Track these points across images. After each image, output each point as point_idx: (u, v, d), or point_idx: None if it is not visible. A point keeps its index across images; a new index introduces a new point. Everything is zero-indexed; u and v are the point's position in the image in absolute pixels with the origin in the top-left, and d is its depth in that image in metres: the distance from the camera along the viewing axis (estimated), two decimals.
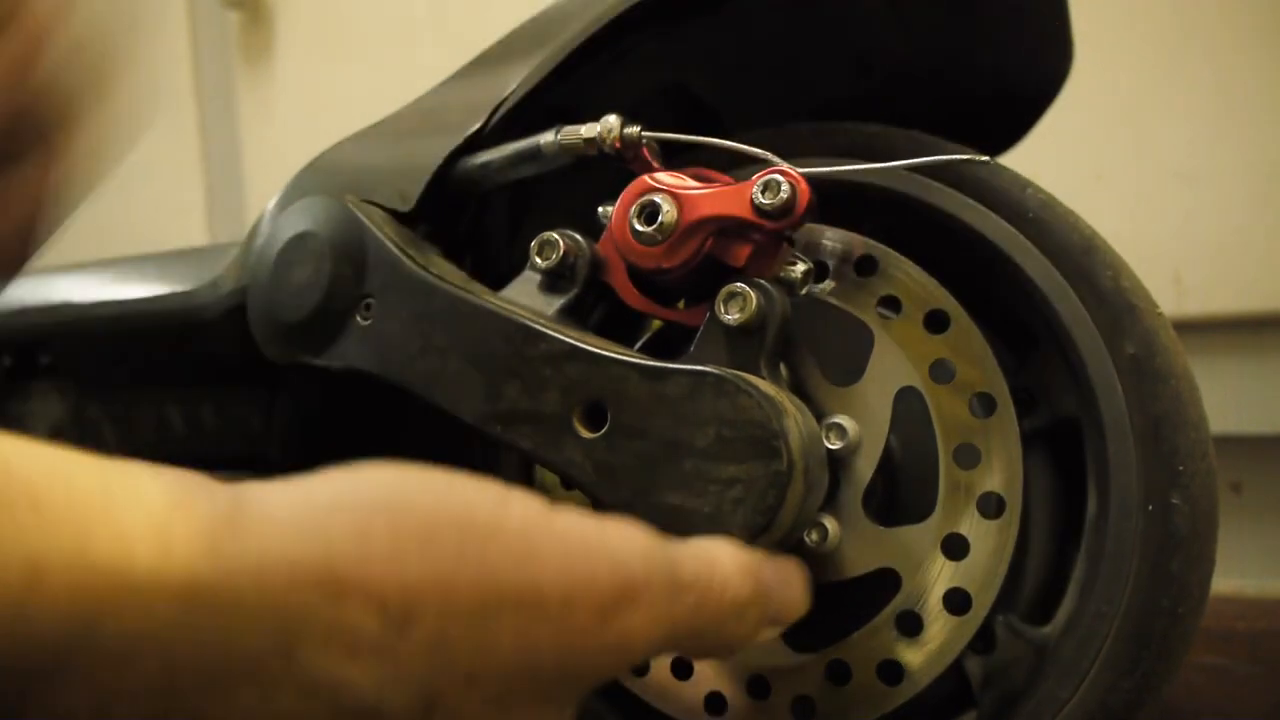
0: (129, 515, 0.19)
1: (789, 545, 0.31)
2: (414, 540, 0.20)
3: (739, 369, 0.30)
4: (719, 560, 0.25)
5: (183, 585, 0.19)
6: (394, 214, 0.37)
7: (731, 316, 0.32)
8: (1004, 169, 0.37)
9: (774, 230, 0.32)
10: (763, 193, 0.32)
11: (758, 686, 0.36)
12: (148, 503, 0.19)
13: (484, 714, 0.21)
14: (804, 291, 0.34)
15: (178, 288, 0.43)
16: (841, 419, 0.34)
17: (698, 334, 0.32)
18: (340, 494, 0.21)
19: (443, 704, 0.21)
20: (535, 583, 0.21)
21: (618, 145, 0.35)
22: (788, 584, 0.28)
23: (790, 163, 0.33)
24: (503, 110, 0.38)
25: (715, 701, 0.37)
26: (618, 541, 0.22)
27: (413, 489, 0.21)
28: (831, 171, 0.35)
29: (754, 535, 0.28)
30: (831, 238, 0.36)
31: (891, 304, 0.35)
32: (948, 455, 0.34)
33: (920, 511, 0.34)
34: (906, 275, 0.35)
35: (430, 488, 0.21)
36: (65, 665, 0.18)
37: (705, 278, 0.33)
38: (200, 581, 0.19)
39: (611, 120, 0.35)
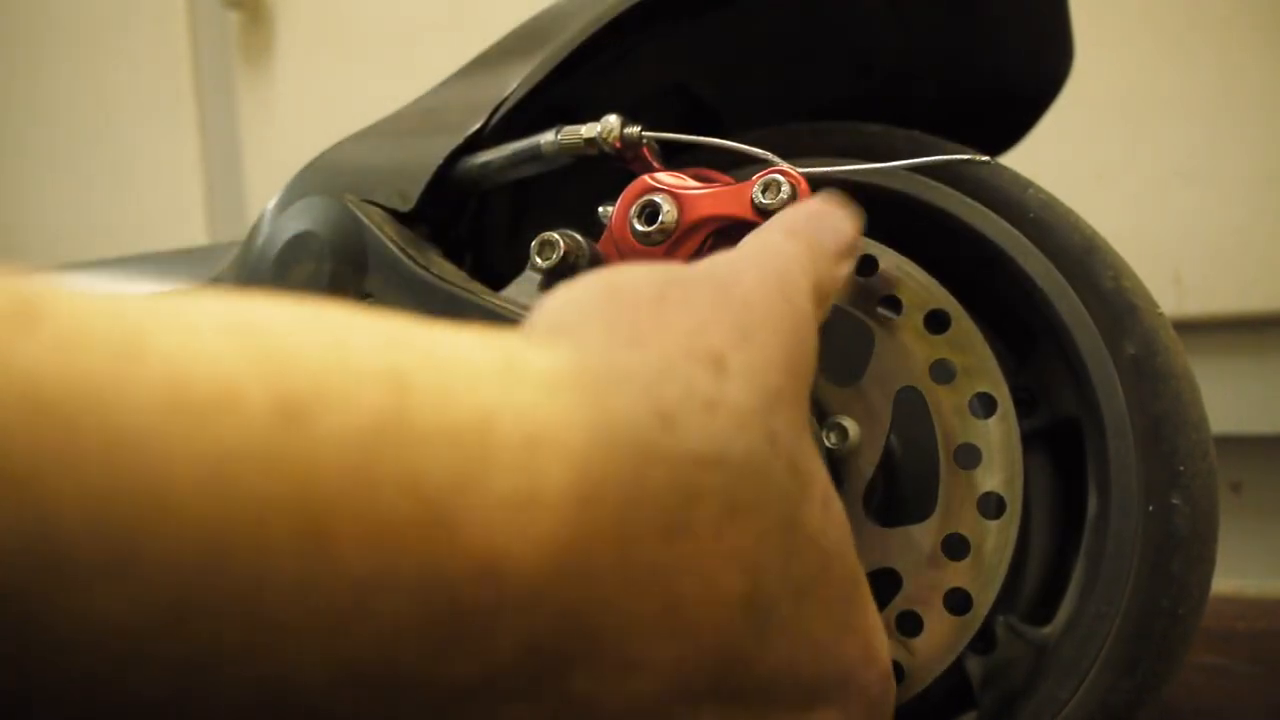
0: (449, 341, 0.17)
1: None
2: (661, 305, 0.21)
3: None
4: (769, 235, 0.27)
5: (560, 369, 0.17)
6: (394, 214, 0.37)
7: None
8: (1005, 169, 0.37)
9: None
10: (763, 193, 0.32)
11: None
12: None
13: (799, 431, 0.21)
14: None
15: (178, 287, 0.43)
16: (842, 419, 0.34)
17: None
18: (584, 292, 0.21)
19: (777, 432, 0.20)
20: (746, 297, 0.22)
21: (618, 145, 0.35)
22: (831, 217, 0.29)
23: (790, 163, 0.33)
24: (503, 110, 0.38)
25: None
26: (731, 254, 0.25)
27: (616, 276, 0.22)
28: (832, 171, 0.35)
29: None
30: None
31: (892, 304, 0.35)
32: (948, 455, 0.34)
33: (920, 511, 0.34)
34: (907, 275, 0.35)
35: (620, 272, 0.22)
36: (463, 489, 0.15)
37: None
38: (570, 369, 0.18)
39: (612, 120, 0.35)
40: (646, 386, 0.18)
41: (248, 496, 0.13)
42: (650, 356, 0.19)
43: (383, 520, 0.14)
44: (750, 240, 0.26)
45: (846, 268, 0.28)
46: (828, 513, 0.22)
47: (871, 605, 0.24)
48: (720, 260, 0.24)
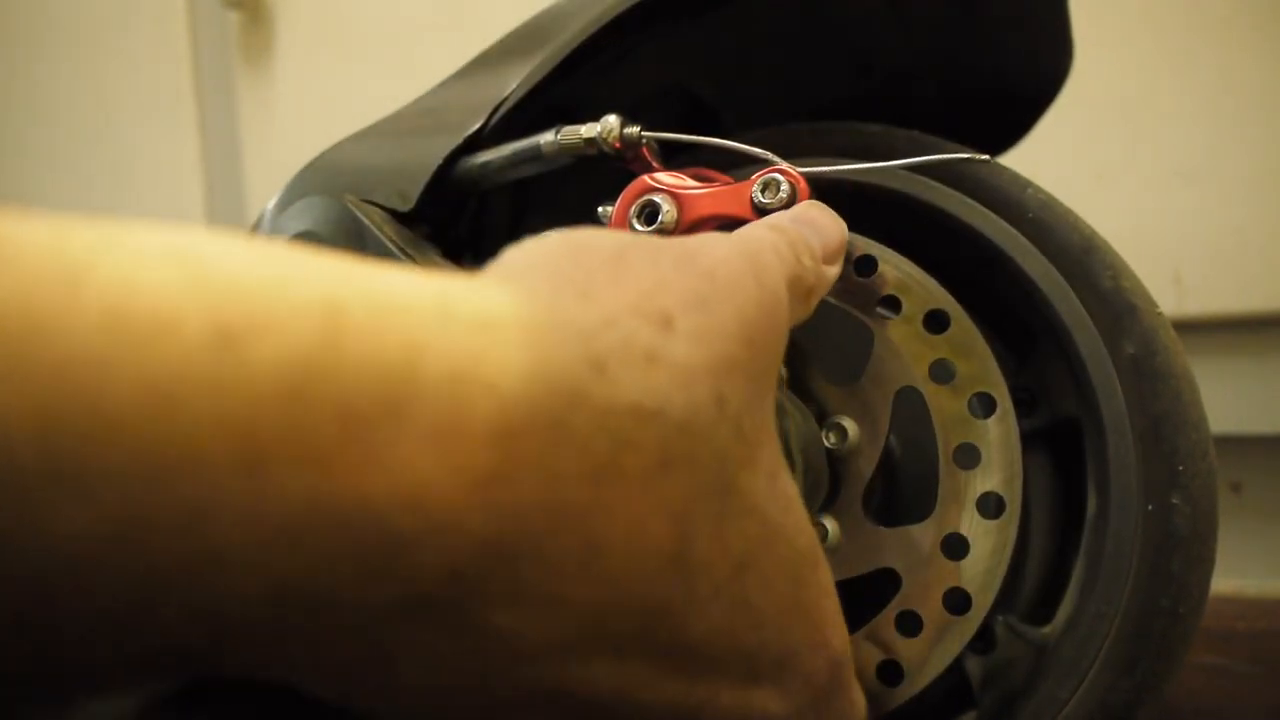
0: (403, 277, 0.18)
1: None
2: (619, 264, 0.21)
3: None
4: (752, 227, 0.27)
5: (510, 320, 0.18)
6: (394, 214, 0.37)
7: None
8: (1004, 169, 0.37)
9: None
10: (762, 192, 0.32)
11: None
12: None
13: (754, 402, 0.21)
14: None
15: None
16: (841, 419, 0.34)
17: None
18: (542, 249, 0.22)
19: (726, 396, 0.20)
20: (710, 268, 0.22)
21: (618, 145, 0.35)
22: (817, 221, 0.29)
23: (790, 163, 0.33)
24: (503, 110, 0.38)
25: None
26: (709, 234, 0.25)
27: (580, 234, 0.23)
28: (831, 171, 0.35)
29: None
30: None
31: (891, 304, 0.35)
32: (947, 455, 0.34)
33: (920, 511, 0.34)
34: (906, 275, 0.35)
35: (586, 231, 0.23)
36: (394, 412, 0.16)
37: None
38: (527, 318, 0.18)
39: (611, 120, 0.35)
40: (582, 334, 0.19)
41: (186, 417, 0.14)
42: (593, 308, 0.19)
43: (314, 446, 0.15)
44: (734, 232, 0.26)
45: (834, 269, 0.28)
46: (773, 487, 0.22)
47: (829, 593, 0.24)
48: (696, 237, 0.24)
